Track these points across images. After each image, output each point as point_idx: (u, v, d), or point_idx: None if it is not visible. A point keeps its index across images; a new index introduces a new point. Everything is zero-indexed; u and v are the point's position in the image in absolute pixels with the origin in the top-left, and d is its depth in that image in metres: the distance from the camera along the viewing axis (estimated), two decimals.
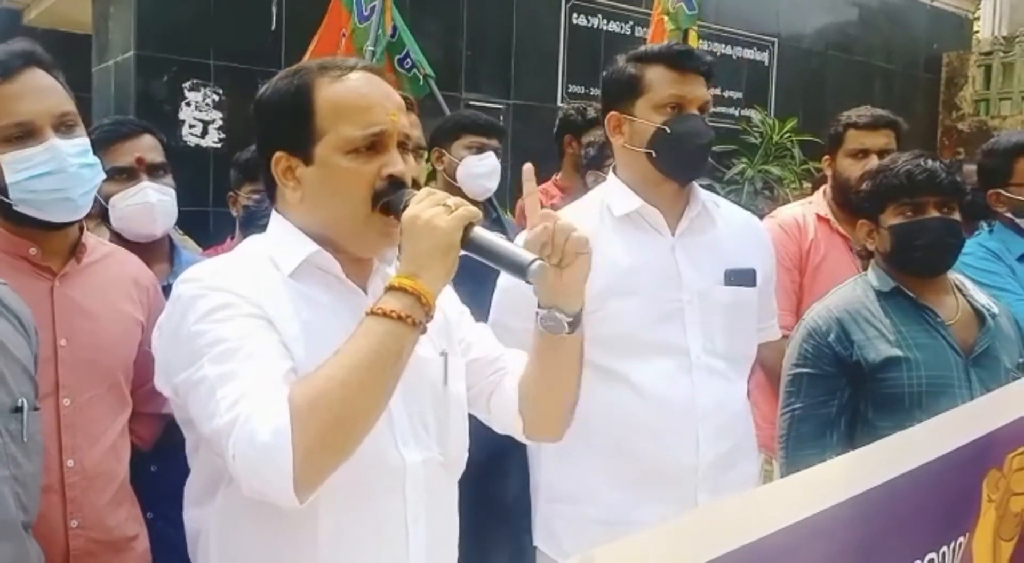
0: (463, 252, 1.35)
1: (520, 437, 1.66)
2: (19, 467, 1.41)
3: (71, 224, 1.81)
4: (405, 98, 2.28)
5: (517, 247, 1.38)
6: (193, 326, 1.35)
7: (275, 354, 1.34)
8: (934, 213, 2.21)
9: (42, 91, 1.72)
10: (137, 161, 2.31)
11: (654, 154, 2.09)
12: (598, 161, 3.96)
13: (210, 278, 1.41)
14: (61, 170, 1.71)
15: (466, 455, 1.61)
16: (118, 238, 2.37)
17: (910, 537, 1.15)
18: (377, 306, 1.30)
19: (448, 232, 1.32)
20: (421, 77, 4.53)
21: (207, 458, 1.44)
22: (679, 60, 2.10)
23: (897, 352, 2.20)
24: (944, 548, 1.20)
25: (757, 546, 0.87)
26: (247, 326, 1.35)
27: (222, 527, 1.45)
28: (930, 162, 2.23)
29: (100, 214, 2.31)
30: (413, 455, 1.47)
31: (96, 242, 1.93)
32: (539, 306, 1.50)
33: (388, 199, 1.42)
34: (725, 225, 2.19)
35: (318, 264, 1.47)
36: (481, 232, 1.36)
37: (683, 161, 2.10)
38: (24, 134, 1.69)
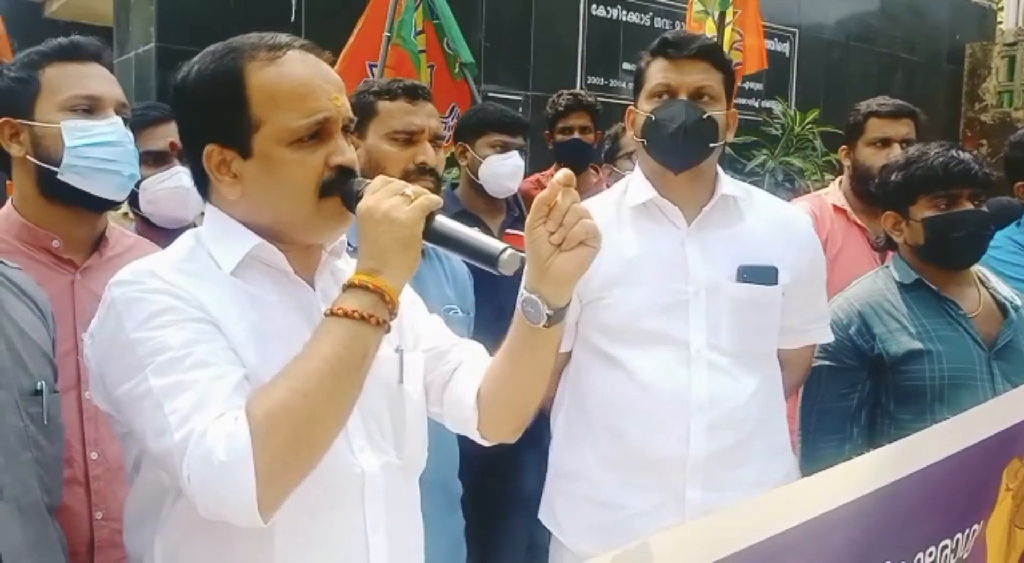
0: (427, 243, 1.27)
1: (473, 434, 1.54)
2: (41, 450, 1.41)
3: (103, 208, 1.85)
4: (420, 87, 2.29)
5: (484, 236, 1.28)
6: (132, 334, 1.23)
7: (225, 361, 1.23)
8: (968, 205, 2.20)
9: (111, 80, 1.85)
10: (171, 146, 2.33)
11: (645, 142, 2.11)
12: (611, 155, 3.99)
13: (148, 280, 1.28)
14: (120, 144, 1.80)
15: (425, 455, 1.52)
16: (144, 223, 2.39)
17: (928, 525, 1.15)
18: (337, 306, 1.21)
19: (408, 224, 1.23)
20: (456, 66, 4.50)
21: (150, 475, 1.32)
22: (667, 47, 2.09)
23: (919, 345, 2.19)
24: (959, 535, 1.20)
25: (775, 540, 0.88)
26: (192, 331, 1.23)
27: (167, 550, 1.32)
28: (963, 154, 2.21)
29: (128, 198, 2.33)
30: (371, 461, 1.38)
31: (119, 235, 1.95)
32: (523, 287, 1.38)
33: (341, 189, 1.32)
34: (755, 220, 2.14)
35: (262, 258, 1.36)
36: (444, 221, 1.27)
37: (663, 147, 2.08)
38: (92, 107, 1.79)
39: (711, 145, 2.09)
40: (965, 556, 1.21)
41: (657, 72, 2.10)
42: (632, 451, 2.05)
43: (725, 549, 0.84)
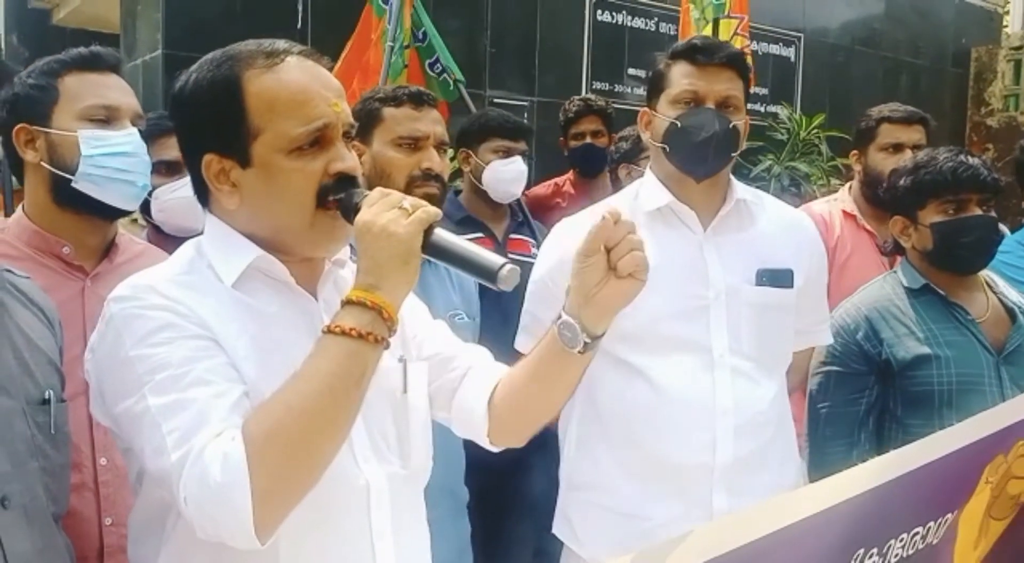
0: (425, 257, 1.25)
1: (482, 440, 1.55)
2: (48, 458, 1.41)
3: (115, 216, 1.87)
4: (425, 93, 2.29)
5: (483, 250, 1.27)
6: (131, 351, 1.23)
7: (224, 379, 1.22)
8: (976, 210, 2.20)
9: (128, 90, 1.90)
10: None
11: (667, 149, 2.09)
12: (632, 155, 3.98)
13: (146, 295, 1.27)
14: (136, 154, 1.83)
15: (430, 464, 1.50)
16: (155, 231, 2.39)
17: (904, 516, 1.18)
18: (335, 324, 1.20)
19: (406, 238, 1.21)
20: (451, 82, 4.54)
21: (154, 489, 1.31)
22: (696, 53, 2.08)
23: (927, 350, 2.19)
24: (931, 523, 1.22)
25: (766, 539, 0.91)
26: (190, 348, 1.22)
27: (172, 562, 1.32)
28: (972, 159, 2.21)
29: (140, 205, 2.34)
30: (375, 472, 1.37)
31: (128, 241, 1.96)
32: (564, 310, 1.40)
33: (338, 199, 1.30)
34: (767, 224, 2.14)
35: (263, 269, 1.35)
36: (443, 235, 1.25)
37: (690, 155, 2.07)
38: (109, 117, 1.82)
39: (733, 154, 2.10)
40: (935, 542, 1.23)
41: (682, 77, 2.09)
42: (656, 460, 2.03)
43: (721, 548, 0.86)
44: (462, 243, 1.27)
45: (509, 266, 1.22)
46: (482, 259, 1.25)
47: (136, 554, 1.39)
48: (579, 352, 1.39)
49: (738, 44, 4.97)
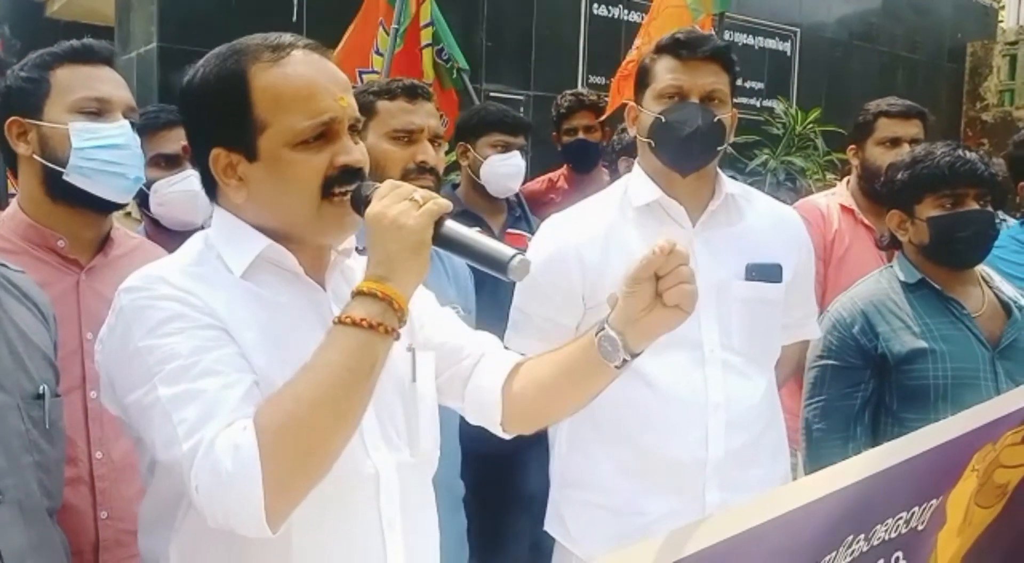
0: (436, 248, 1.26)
1: (494, 428, 1.55)
2: (42, 453, 1.41)
3: (108, 209, 1.86)
4: (420, 86, 2.29)
5: (494, 242, 1.28)
6: (140, 342, 1.23)
7: (234, 369, 1.22)
8: (974, 205, 2.20)
9: (120, 83, 1.89)
10: (183, 149, 2.34)
11: (653, 143, 2.09)
12: (632, 149, 3.96)
13: (157, 286, 1.28)
14: (127, 147, 1.82)
15: (438, 453, 1.51)
16: (153, 225, 2.39)
17: (891, 503, 1.20)
18: (345, 314, 1.20)
19: (417, 230, 1.22)
20: (455, 70, 4.54)
21: (165, 479, 1.31)
22: (679, 48, 2.07)
23: (922, 344, 2.19)
24: (915, 508, 1.24)
25: (760, 528, 0.94)
26: (200, 339, 1.23)
27: (183, 553, 1.32)
28: (969, 153, 2.21)
29: (138, 199, 2.33)
30: (385, 460, 1.38)
31: (123, 235, 1.96)
32: (607, 322, 1.39)
33: (348, 191, 1.31)
34: (756, 219, 2.14)
35: (272, 259, 1.36)
36: (453, 226, 1.26)
37: (675, 150, 2.06)
38: (100, 110, 1.81)
39: (719, 148, 2.09)
40: (920, 527, 1.25)
41: (666, 72, 2.08)
42: (650, 456, 2.04)
43: (714, 537, 0.87)
44: (473, 235, 1.27)
45: (520, 257, 1.23)
46: (493, 250, 1.25)
47: (146, 544, 1.39)
48: (615, 367, 1.39)
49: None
